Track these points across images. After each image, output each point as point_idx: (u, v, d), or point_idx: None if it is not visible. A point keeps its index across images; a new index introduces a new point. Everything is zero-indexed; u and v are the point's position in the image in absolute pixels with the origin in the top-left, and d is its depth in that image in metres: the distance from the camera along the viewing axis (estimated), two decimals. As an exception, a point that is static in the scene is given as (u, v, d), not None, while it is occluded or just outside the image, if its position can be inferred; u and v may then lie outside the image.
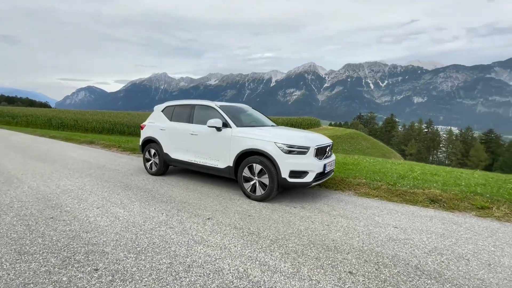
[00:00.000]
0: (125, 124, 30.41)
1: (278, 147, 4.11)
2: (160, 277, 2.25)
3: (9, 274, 2.25)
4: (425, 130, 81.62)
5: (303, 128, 29.86)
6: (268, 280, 2.24)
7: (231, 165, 4.57)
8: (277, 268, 2.41)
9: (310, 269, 2.41)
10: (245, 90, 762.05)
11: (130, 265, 2.42)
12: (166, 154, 5.62)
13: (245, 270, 2.38)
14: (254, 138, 4.37)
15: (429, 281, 2.27)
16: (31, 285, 2.12)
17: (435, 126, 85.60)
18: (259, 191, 4.27)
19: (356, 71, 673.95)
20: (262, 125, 5.41)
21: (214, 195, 4.61)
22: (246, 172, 4.39)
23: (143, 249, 2.70)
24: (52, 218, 3.43)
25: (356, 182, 5.24)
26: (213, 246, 2.79)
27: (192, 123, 5.33)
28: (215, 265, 2.45)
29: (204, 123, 5.08)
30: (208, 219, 3.53)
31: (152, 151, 5.90)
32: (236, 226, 3.32)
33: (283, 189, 4.63)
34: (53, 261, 2.45)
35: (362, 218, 3.66)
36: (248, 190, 4.39)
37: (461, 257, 2.68)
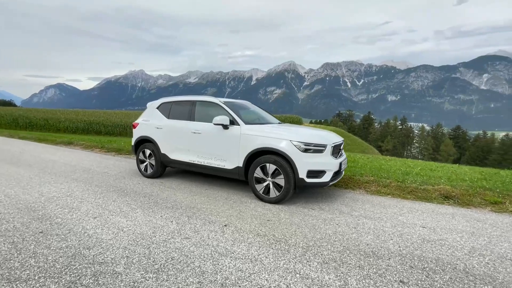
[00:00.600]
0: (102, 123, 28.61)
1: (294, 145, 3.83)
2: (193, 302, 1.90)
3: (0, 310, 1.79)
4: (400, 127, 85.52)
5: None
6: (318, 297, 1.97)
7: (241, 165, 4.23)
8: (322, 282, 2.14)
9: (358, 280, 2.17)
10: (226, 88, 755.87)
11: (152, 288, 2.04)
12: (164, 155, 5.15)
13: (287, 286, 2.09)
14: (266, 136, 4.06)
15: (486, 287, 2.12)
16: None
17: (409, 123, 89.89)
18: (274, 193, 3.97)
19: (334, 70, 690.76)
20: (268, 122, 5.11)
21: (222, 198, 4.25)
22: (258, 173, 4.07)
23: (161, 266, 2.33)
24: (41, 232, 2.92)
25: (365, 180, 5.12)
26: (242, 259, 2.47)
27: (193, 120, 4.91)
28: (251, 281, 2.14)
29: (206, 120, 4.70)
30: (225, 225, 3.19)
31: (147, 151, 5.39)
32: (258, 233, 3.02)
33: (298, 190, 4.38)
34: (55, 289, 2.01)
35: (386, 218, 3.50)
36: (261, 192, 4.08)
37: (503, 257, 2.57)
